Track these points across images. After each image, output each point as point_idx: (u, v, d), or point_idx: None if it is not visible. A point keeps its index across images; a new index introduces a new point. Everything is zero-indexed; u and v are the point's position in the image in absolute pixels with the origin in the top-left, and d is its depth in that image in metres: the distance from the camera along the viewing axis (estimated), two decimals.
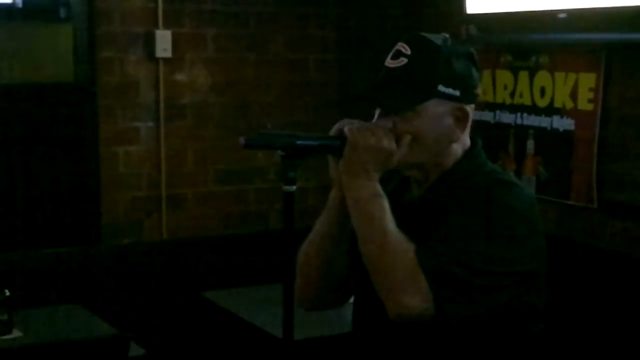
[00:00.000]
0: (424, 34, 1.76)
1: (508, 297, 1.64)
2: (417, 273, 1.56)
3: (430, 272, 1.56)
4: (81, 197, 4.17)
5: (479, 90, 1.79)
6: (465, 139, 1.77)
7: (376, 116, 1.75)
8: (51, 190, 4.15)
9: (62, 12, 4.68)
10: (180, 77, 4.29)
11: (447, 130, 1.72)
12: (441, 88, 1.69)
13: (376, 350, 1.75)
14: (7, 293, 3.35)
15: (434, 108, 1.70)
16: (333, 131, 1.74)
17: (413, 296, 1.55)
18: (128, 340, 2.96)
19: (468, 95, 1.74)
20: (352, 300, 1.90)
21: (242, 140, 1.72)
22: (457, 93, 1.71)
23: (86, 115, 4.15)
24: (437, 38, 1.74)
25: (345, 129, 1.69)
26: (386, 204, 1.64)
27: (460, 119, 1.73)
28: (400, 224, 1.66)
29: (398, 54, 1.72)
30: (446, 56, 1.71)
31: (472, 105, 1.75)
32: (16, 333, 3.39)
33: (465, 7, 3.85)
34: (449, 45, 1.73)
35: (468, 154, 1.76)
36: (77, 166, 4.16)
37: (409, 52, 1.71)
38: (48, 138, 4.12)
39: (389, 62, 1.73)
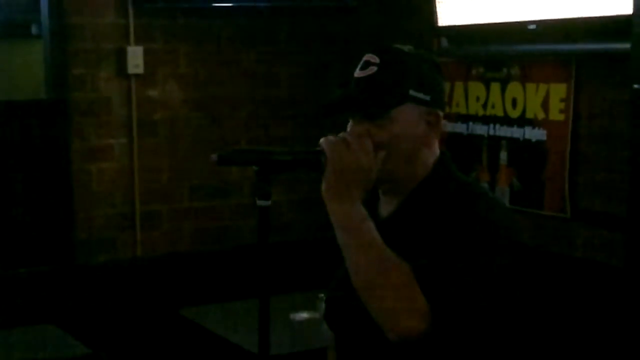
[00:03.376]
0: (389, 44, 1.78)
1: (499, 308, 1.66)
2: (416, 296, 1.55)
3: (429, 292, 1.56)
4: (54, 215, 4.13)
5: (445, 99, 1.80)
6: (436, 149, 1.77)
7: (349, 127, 1.75)
8: (23, 208, 4.10)
9: (34, 29, 4.65)
10: (152, 93, 4.28)
11: (421, 136, 1.72)
12: (413, 92, 1.70)
13: None
14: None
15: (408, 113, 1.71)
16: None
17: (413, 319, 1.55)
18: (103, 359, 2.94)
19: (438, 100, 1.75)
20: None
21: (214, 157, 1.71)
22: (428, 98, 1.72)
23: (58, 132, 4.12)
24: (404, 46, 1.76)
25: (322, 141, 1.69)
26: (373, 225, 1.63)
27: (433, 123, 1.74)
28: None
29: (367, 64, 1.73)
30: (415, 61, 1.73)
31: (442, 111, 1.76)
32: None
33: (437, 20, 3.87)
34: (415, 52, 1.75)
35: (438, 165, 1.76)
36: (50, 184, 4.12)
37: (377, 60, 1.72)
38: (20, 155, 4.08)
39: (358, 73, 1.74)
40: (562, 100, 3.49)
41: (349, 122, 1.76)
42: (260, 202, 1.68)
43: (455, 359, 1.68)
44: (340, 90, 1.80)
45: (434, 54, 1.82)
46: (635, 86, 2.87)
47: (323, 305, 1.96)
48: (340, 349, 1.85)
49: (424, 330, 1.55)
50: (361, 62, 1.75)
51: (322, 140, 1.70)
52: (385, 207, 1.79)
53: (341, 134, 1.71)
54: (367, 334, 1.69)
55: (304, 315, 3.32)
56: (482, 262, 1.61)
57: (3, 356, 3.36)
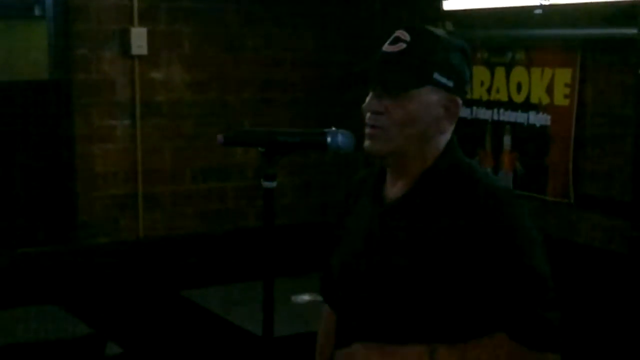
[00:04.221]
0: (423, 24, 1.78)
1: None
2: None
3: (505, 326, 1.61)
4: (57, 196, 4.13)
5: (468, 87, 1.80)
6: (449, 134, 1.77)
7: (368, 99, 1.75)
8: (27, 189, 4.10)
9: (37, 10, 4.64)
10: (156, 74, 4.26)
11: (436, 119, 1.72)
12: (437, 76, 1.70)
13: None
14: None
15: (428, 95, 1.70)
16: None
17: None
18: (104, 339, 2.94)
19: (460, 88, 1.74)
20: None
21: (220, 137, 1.70)
22: (451, 84, 1.72)
23: (61, 113, 4.11)
24: (436, 29, 1.76)
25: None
26: None
27: (450, 110, 1.73)
28: (386, 223, 1.67)
29: (397, 40, 1.72)
30: (444, 46, 1.73)
31: (461, 100, 1.76)
32: None
33: (442, 4, 3.86)
34: (447, 37, 1.75)
35: (447, 149, 1.76)
36: (53, 165, 4.12)
37: (408, 38, 1.71)
38: (23, 136, 4.07)
39: (387, 47, 1.73)
40: (567, 85, 3.48)
41: (368, 94, 1.76)
42: (265, 184, 1.67)
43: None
44: (367, 62, 1.79)
45: (465, 42, 1.80)
46: None
47: (321, 284, 1.96)
48: (341, 330, 1.84)
49: None
50: (392, 37, 1.74)
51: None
52: (392, 189, 1.78)
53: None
54: (374, 315, 1.69)
55: (305, 297, 3.34)
56: (543, 273, 1.65)
57: (5, 336, 3.37)
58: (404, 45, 1.71)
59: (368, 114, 1.71)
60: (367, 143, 1.71)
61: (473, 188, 1.70)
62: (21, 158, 4.09)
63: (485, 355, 1.62)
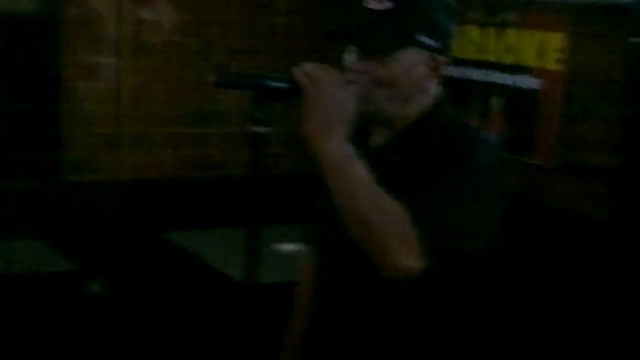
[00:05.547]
0: None
1: (484, 253, 1.68)
2: (411, 235, 1.55)
3: (424, 234, 1.56)
4: (41, 132, 4.10)
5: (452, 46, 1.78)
6: (432, 93, 1.76)
7: (346, 56, 1.72)
8: (11, 124, 4.06)
9: None
10: (145, 13, 4.21)
11: (420, 79, 1.71)
12: (421, 37, 1.68)
13: (342, 320, 1.76)
14: None
15: (412, 56, 1.68)
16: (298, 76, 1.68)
17: (409, 258, 1.55)
18: (84, 276, 2.95)
19: (444, 47, 1.73)
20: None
21: (211, 78, 1.67)
22: (435, 43, 1.70)
23: (48, 47, 4.06)
24: None
25: (295, 72, 1.63)
26: (361, 164, 1.61)
27: (434, 69, 1.72)
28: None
29: None
30: (430, 5, 1.70)
31: (446, 58, 1.75)
32: None
33: None
34: None
35: (435, 105, 1.75)
36: (38, 100, 4.08)
37: None
38: (8, 69, 4.02)
39: (371, 3, 1.70)
40: (558, 50, 3.47)
41: (347, 51, 1.73)
42: (255, 129, 1.66)
43: (443, 300, 1.70)
44: (347, 18, 1.76)
45: None
46: (633, 39, 2.86)
47: (306, 235, 1.96)
48: (323, 284, 1.85)
49: (420, 267, 1.56)
50: None
51: (294, 71, 1.63)
52: (376, 139, 1.78)
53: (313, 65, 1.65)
54: (355, 269, 1.69)
55: (288, 246, 3.34)
56: (475, 211, 1.61)
57: None
58: (389, 5, 1.67)
59: (348, 70, 1.69)
60: None
61: (449, 137, 1.70)
62: (4, 92, 4.05)
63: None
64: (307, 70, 1.61)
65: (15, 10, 4.17)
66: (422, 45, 1.68)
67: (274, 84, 1.66)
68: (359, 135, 1.72)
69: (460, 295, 1.74)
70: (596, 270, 3.23)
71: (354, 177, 1.58)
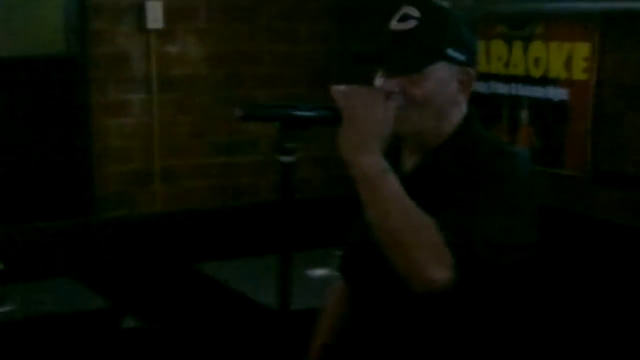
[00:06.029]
0: None
1: (518, 267, 1.67)
2: (442, 248, 1.55)
3: (455, 246, 1.55)
4: (73, 170, 4.14)
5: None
6: (464, 107, 1.76)
7: (378, 80, 1.73)
8: (43, 163, 4.11)
9: None
10: (172, 48, 4.25)
11: (452, 94, 1.71)
12: (449, 51, 1.69)
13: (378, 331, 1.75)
14: (2, 266, 3.34)
15: (442, 71, 1.69)
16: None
17: (440, 271, 1.55)
18: (121, 312, 2.96)
19: (472, 60, 1.73)
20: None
21: (238, 112, 1.68)
22: (464, 57, 1.71)
23: (77, 87, 4.11)
24: (441, 3, 1.74)
25: (333, 91, 1.65)
26: (395, 178, 1.61)
27: (465, 83, 1.72)
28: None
29: (405, 17, 1.70)
30: (454, 19, 1.71)
31: (475, 72, 1.75)
32: (8, 306, 3.38)
33: None
34: (453, 10, 1.73)
35: (466, 121, 1.75)
36: (69, 139, 4.13)
37: (418, 14, 1.69)
38: (39, 111, 4.08)
39: (396, 25, 1.70)
40: (585, 59, 3.45)
41: (377, 74, 1.73)
42: (283, 158, 1.66)
43: (476, 313, 1.68)
44: (376, 42, 1.77)
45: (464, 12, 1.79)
46: None
47: (339, 260, 1.96)
48: (355, 303, 1.85)
49: (449, 281, 1.55)
50: (399, 14, 1.71)
51: (333, 89, 1.67)
52: (408, 162, 1.78)
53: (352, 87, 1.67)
54: (387, 286, 1.69)
55: (320, 271, 3.33)
56: (507, 224, 1.61)
57: (21, 309, 3.39)
58: (414, 23, 1.69)
59: (381, 92, 1.70)
60: None
61: (482, 153, 1.70)
62: (37, 133, 4.10)
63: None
64: (342, 89, 1.63)
65: (45, 53, 4.24)
66: (452, 60, 1.70)
67: (297, 113, 1.67)
68: (391, 159, 1.72)
69: (494, 308, 1.73)
70: (633, 280, 3.17)
71: (386, 190, 1.59)
